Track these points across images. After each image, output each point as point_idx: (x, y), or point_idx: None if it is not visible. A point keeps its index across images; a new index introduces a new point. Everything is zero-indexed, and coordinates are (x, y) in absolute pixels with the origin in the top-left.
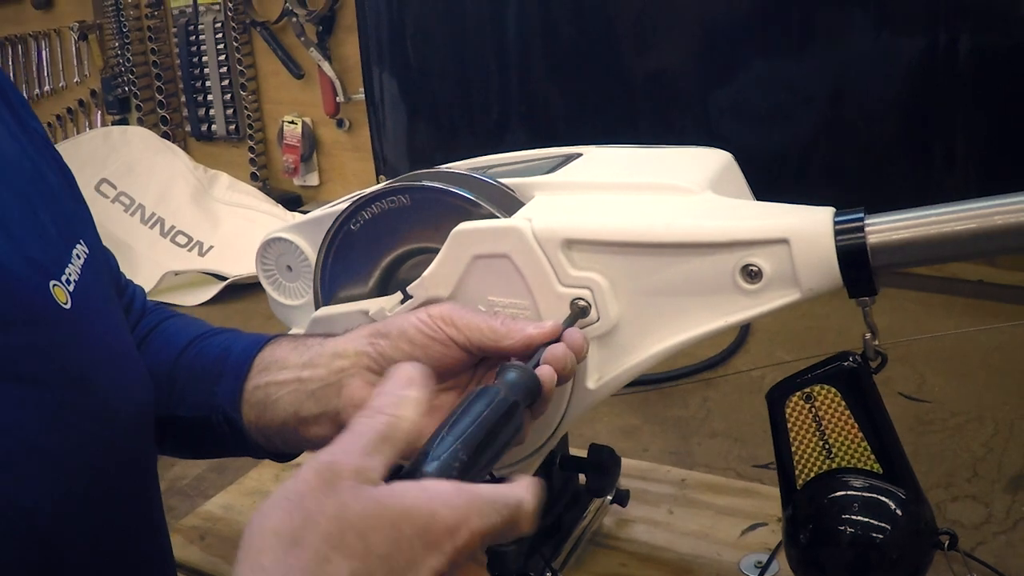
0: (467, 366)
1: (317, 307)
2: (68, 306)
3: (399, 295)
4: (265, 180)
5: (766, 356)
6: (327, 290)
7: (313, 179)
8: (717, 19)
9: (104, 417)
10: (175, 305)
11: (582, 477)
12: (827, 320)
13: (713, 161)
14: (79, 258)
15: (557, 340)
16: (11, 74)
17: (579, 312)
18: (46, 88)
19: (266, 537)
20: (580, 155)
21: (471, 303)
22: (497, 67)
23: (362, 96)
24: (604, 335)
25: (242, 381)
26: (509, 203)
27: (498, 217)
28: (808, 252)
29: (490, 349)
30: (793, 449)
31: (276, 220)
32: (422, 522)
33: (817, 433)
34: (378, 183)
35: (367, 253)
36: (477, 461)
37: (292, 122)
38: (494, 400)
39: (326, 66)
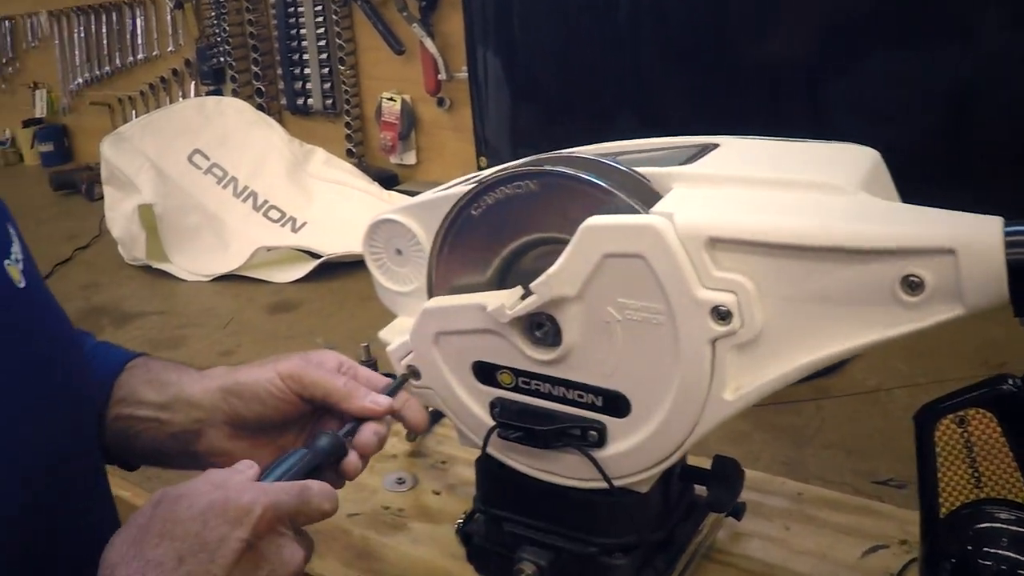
0: (306, 416)
1: (430, 296)
2: (22, 285)
3: (519, 290)
4: (361, 157)
5: (881, 364)
6: (441, 278)
7: (410, 158)
8: (838, 9)
9: (67, 396)
10: (267, 282)
11: (698, 488)
12: (937, 329)
13: (863, 159)
14: (16, 237)
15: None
16: (104, 42)
17: (404, 377)
18: (139, 57)
19: (115, 544)
20: (717, 145)
21: (599, 304)
22: (607, 50)
23: (465, 75)
24: (746, 343)
25: (103, 408)
26: (647, 194)
27: (636, 209)
28: (976, 264)
29: (331, 408)
30: (939, 475)
31: (372, 198)
32: (222, 506)
33: (967, 460)
34: (478, 165)
35: (487, 241)
36: None
37: (391, 99)
38: (299, 460)
39: (428, 43)
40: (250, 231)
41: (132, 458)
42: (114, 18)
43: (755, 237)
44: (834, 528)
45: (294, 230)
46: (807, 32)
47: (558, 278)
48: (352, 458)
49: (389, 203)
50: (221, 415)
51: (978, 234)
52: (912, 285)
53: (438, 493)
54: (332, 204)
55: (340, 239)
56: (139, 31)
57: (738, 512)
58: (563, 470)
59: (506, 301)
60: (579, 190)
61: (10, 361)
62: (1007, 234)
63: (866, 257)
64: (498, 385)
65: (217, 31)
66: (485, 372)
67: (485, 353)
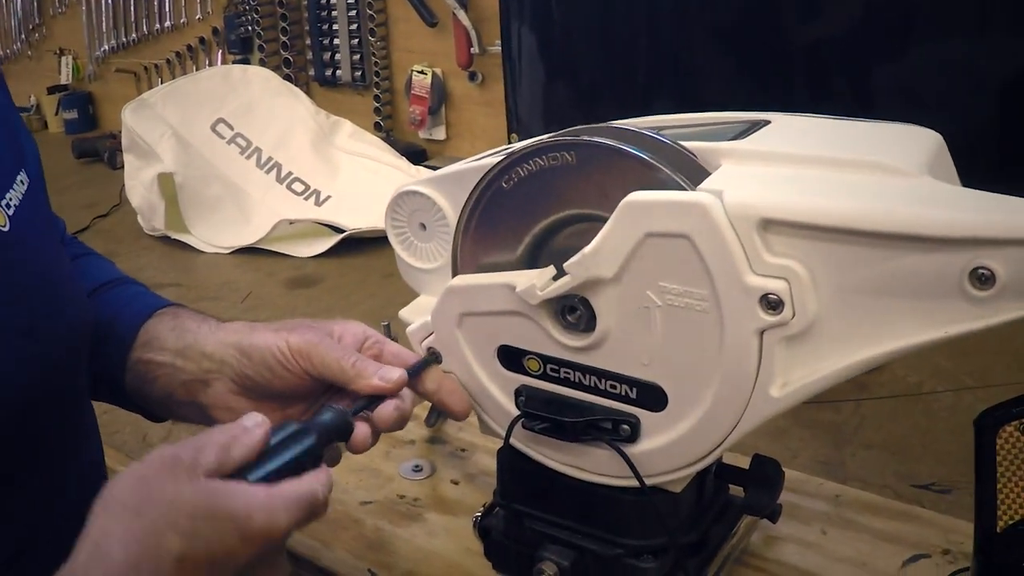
0: (317, 391)
1: (455, 274)
2: (6, 229)
3: (551, 270)
4: (389, 131)
5: (924, 360)
6: (468, 255)
7: (440, 133)
8: None
9: (36, 336)
10: (288, 256)
11: (732, 487)
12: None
13: (925, 141)
14: (22, 184)
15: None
16: (131, 9)
17: (428, 359)
18: (167, 24)
19: (113, 505)
20: (768, 122)
21: (638, 288)
22: (646, 28)
23: (498, 49)
24: (796, 335)
25: (126, 351)
26: (693, 170)
27: (682, 186)
28: None
29: (341, 387)
30: (999, 486)
31: (400, 173)
32: (241, 522)
33: None
34: (509, 141)
35: (518, 216)
36: (273, 477)
37: (421, 72)
38: (299, 436)
39: (462, 15)
40: (273, 203)
41: (148, 403)
42: None
43: (812, 220)
44: (873, 534)
45: (318, 203)
46: (856, 13)
47: (594, 258)
48: (361, 431)
49: (415, 179)
50: (230, 371)
51: None
52: (982, 278)
53: (456, 483)
54: (357, 178)
55: (364, 214)
56: None
57: (774, 514)
58: (591, 465)
59: (537, 281)
60: (620, 163)
61: None
62: None
63: (932, 245)
64: (525, 372)
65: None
66: (511, 357)
67: (512, 337)
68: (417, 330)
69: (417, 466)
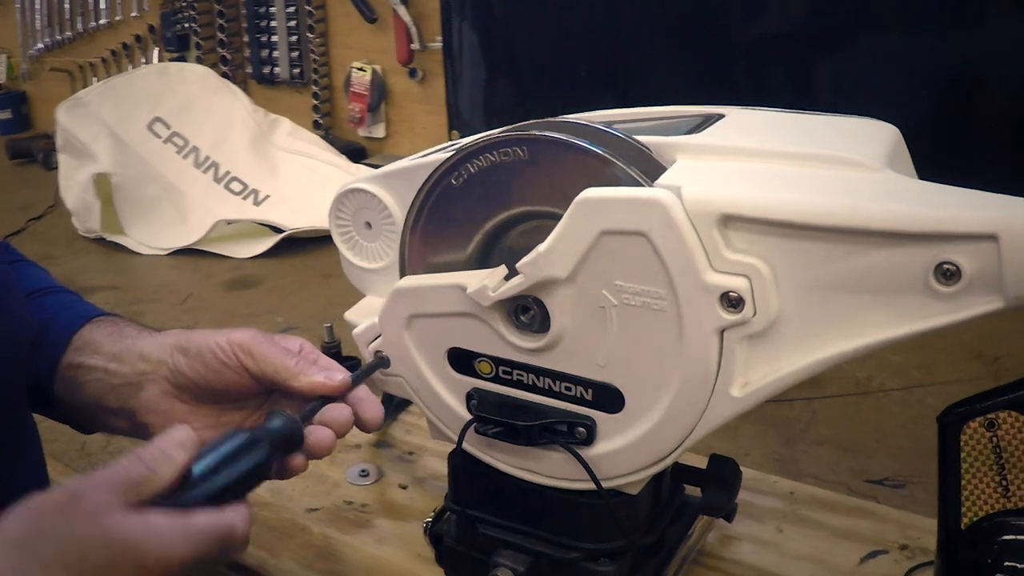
0: (258, 392)
1: (403, 274)
2: None
3: (503, 269)
4: (328, 129)
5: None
6: (416, 255)
7: (379, 130)
8: None
9: None
10: (227, 257)
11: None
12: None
13: (884, 135)
14: None
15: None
16: (66, 6)
17: (376, 363)
18: (102, 22)
19: (1, 542)
20: (722, 115)
21: (593, 287)
22: (588, 22)
23: (439, 45)
24: (758, 334)
25: (59, 355)
26: (648, 165)
27: (638, 181)
28: (1020, 252)
29: (280, 385)
30: (963, 482)
31: (339, 171)
32: (135, 551)
33: (995, 467)
34: (450, 139)
35: (469, 214)
36: (219, 495)
37: (361, 69)
38: (243, 444)
39: (402, 11)
40: (210, 204)
41: (76, 412)
42: None
43: (775, 216)
44: (830, 531)
45: (256, 203)
46: (799, 6)
47: (548, 257)
48: (324, 435)
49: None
50: (165, 370)
51: (1022, 218)
52: (947, 274)
53: (405, 487)
54: (297, 177)
55: (304, 213)
56: None
57: (730, 514)
58: (546, 469)
59: (489, 282)
60: (574, 159)
61: None
62: None
63: (897, 241)
64: (476, 375)
65: None
66: (462, 360)
67: (462, 339)
68: (364, 332)
69: (364, 471)
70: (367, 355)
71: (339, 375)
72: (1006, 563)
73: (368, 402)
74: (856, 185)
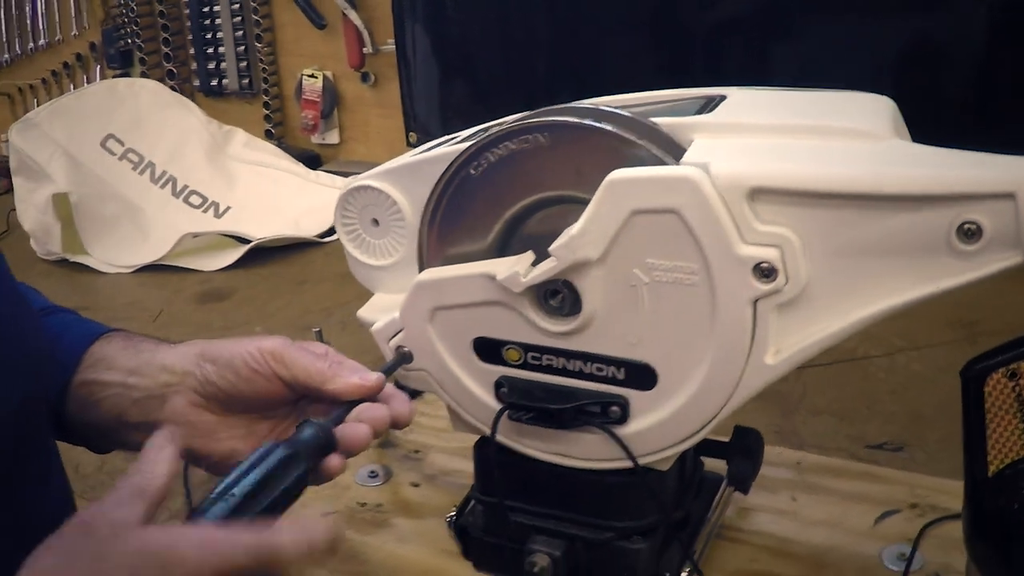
0: (289, 401)
1: (421, 267)
2: None
3: (530, 255)
4: (280, 138)
5: None
6: (434, 248)
7: (333, 137)
8: None
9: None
10: (194, 271)
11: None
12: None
13: (883, 107)
14: None
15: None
16: (2, 28)
17: (401, 358)
18: (41, 43)
19: (34, 572)
20: (724, 96)
21: (624, 267)
22: (542, 18)
23: (391, 47)
24: (789, 302)
25: (70, 374)
26: (669, 146)
27: (663, 161)
28: None
29: (313, 390)
30: (988, 432)
31: (299, 179)
32: (163, 562)
33: (1019, 415)
34: (407, 141)
35: (489, 203)
36: (251, 507)
37: (312, 75)
38: (284, 459)
39: (353, 15)
40: (170, 219)
41: (90, 431)
42: (11, 2)
43: (802, 186)
44: (841, 496)
45: (217, 215)
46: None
47: (580, 239)
48: (360, 431)
49: (317, 184)
50: (192, 380)
51: None
52: (968, 233)
53: (417, 485)
54: (256, 187)
55: (269, 223)
56: (40, 14)
57: (746, 486)
58: (578, 451)
59: (519, 267)
60: (597, 142)
61: None
62: None
63: (919, 204)
64: (504, 363)
65: (124, 11)
66: (488, 349)
67: (489, 328)
68: (384, 328)
69: (373, 472)
70: (388, 351)
71: (373, 375)
72: None
73: (398, 399)
74: (873, 154)
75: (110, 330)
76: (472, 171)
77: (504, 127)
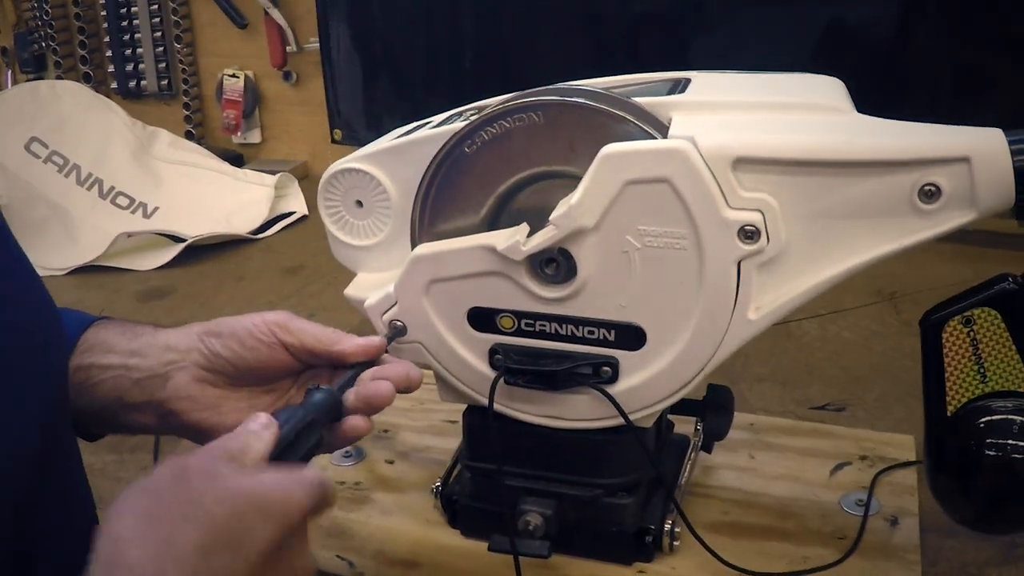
0: (292, 372)
1: (415, 243)
2: None
3: (525, 227)
4: (201, 139)
5: None
6: (425, 224)
7: (255, 136)
8: None
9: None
10: (129, 270)
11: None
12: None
13: (835, 85)
14: None
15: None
16: None
17: (396, 331)
18: None
19: (124, 516)
20: (689, 80)
21: (617, 234)
22: (465, 14)
23: (315, 46)
24: (769, 261)
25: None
26: (655, 123)
27: (651, 136)
28: (988, 171)
29: (321, 354)
30: (947, 375)
31: (224, 177)
32: (259, 501)
33: (973, 358)
34: (333, 139)
35: (481, 179)
36: (305, 460)
37: (233, 75)
38: (305, 417)
39: (275, 13)
40: (99, 220)
41: (85, 416)
42: None
43: (781, 155)
44: (796, 452)
45: (146, 216)
46: None
47: (579, 209)
48: (383, 387)
49: (245, 182)
50: (196, 355)
51: (988, 143)
52: (929, 194)
53: (391, 462)
54: (183, 187)
55: (200, 221)
56: None
57: (710, 446)
58: (568, 412)
59: (519, 237)
60: (590, 119)
61: None
62: (1011, 143)
63: (886, 169)
64: (497, 331)
65: (38, 14)
66: (482, 318)
67: (483, 298)
68: (378, 304)
69: (347, 453)
70: (380, 326)
71: (376, 338)
72: (988, 440)
73: (403, 363)
74: (841, 125)
75: (101, 318)
76: (467, 149)
77: (500, 107)
